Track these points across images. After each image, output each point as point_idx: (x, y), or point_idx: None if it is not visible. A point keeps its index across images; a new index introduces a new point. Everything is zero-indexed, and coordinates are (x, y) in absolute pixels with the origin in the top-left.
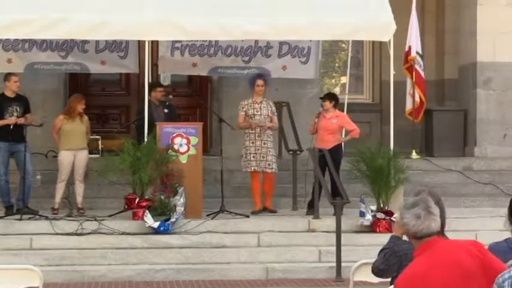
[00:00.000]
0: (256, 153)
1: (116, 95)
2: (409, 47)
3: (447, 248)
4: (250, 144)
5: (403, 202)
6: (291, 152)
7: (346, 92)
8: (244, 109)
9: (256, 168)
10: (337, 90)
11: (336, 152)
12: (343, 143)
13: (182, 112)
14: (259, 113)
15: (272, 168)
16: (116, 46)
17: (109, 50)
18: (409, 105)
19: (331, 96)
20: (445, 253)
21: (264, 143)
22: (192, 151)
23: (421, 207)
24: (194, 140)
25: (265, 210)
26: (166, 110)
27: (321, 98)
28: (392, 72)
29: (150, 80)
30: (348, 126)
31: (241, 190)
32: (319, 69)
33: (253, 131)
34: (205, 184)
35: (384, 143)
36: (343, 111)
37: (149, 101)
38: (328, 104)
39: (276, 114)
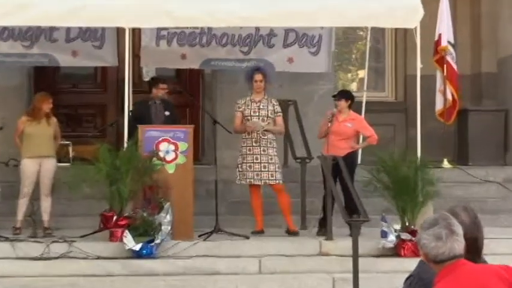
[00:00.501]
0: (254, 163)
1: (90, 92)
2: (439, 36)
3: (474, 273)
4: (247, 152)
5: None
6: (299, 160)
7: (365, 88)
8: (240, 109)
9: (252, 180)
10: (353, 87)
11: (350, 160)
12: (358, 150)
13: None
14: (257, 113)
15: (276, 179)
16: (91, 34)
17: (82, 39)
18: (439, 105)
19: (347, 95)
20: (471, 279)
21: (264, 150)
22: (181, 159)
23: (442, 225)
24: (183, 145)
25: (287, 233)
26: (167, 113)
27: (333, 97)
28: (419, 65)
29: (130, 75)
30: (365, 132)
31: (240, 206)
32: (332, 61)
33: (250, 136)
34: (196, 198)
35: (410, 150)
36: (360, 111)
37: (147, 100)
38: (343, 104)
39: (281, 114)
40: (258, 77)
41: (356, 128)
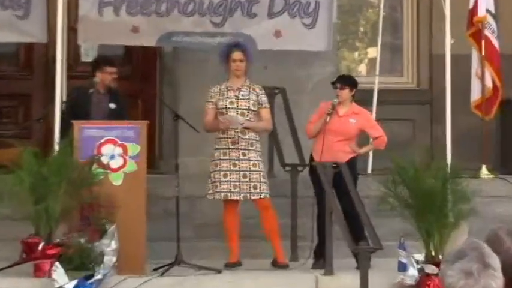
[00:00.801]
0: (230, 171)
1: (10, 77)
2: (475, 3)
3: None
4: (222, 157)
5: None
6: (288, 168)
7: (376, 72)
8: (213, 99)
9: (229, 194)
10: (361, 70)
11: (352, 169)
12: (359, 155)
13: None
14: (235, 105)
15: (261, 193)
16: (12, 1)
17: (0, 7)
18: (476, 94)
19: (351, 81)
20: None
21: (244, 154)
22: (130, 166)
23: (472, 257)
24: (133, 148)
25: (274, 266)
26: (113, 105)
27: (333, 84)
28: (449, 40)
29: (64, 54)
30: (372, 131)
31: (210, 229)
32: (334, 36)
33: (226, 135)
34: (151, 219)
35: (437, 154)
36: (370, 102)
37: (86, 87)
38: (347, 94)
39: (267, 106)
40: (237, 55)
41: (361, 126)
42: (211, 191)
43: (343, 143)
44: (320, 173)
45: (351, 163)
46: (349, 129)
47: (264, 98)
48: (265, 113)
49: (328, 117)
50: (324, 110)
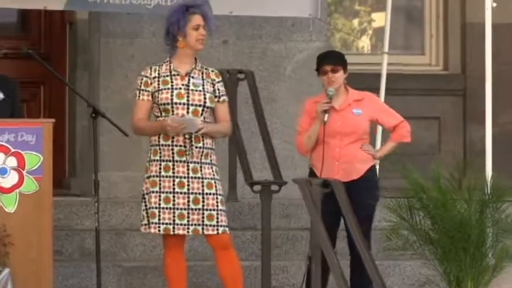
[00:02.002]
0: (175, 194)
1: None
2: None
3: None
4: (163, 173)
5: None
6: (258, 188)
7: (385, 49)
8: (148, 88)
9: (171, 227)
10: (363, 46)
11: (373, 184)
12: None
13: None
14: (184, 99)
15: (219, 226)
16: None
17: None
18: None
19: (342, 59)
20: None
21: (196, 170)
22: (29, 185)
23: None
24: (33, 159)
25: None
26: (1, 95)
27: (318, 69)
28: (489, 2)
29: None
30: (387, 119)
31: (144, 276)
32: None
33: (170, 143)
34: (61, 262)
35: (472, 166)
36: (377, 90)
37: None
38: (341, 77)
39: (226, 99)
40: (198, 19)
41: (371, 115)
42: (145, 222)
43: (356, 147)
44: (304, 195)
45: (371, 175)
46: (358, 124)
47: (221, 88)
48: (224, 110)
49: (327, 116)
50: (314, 109)
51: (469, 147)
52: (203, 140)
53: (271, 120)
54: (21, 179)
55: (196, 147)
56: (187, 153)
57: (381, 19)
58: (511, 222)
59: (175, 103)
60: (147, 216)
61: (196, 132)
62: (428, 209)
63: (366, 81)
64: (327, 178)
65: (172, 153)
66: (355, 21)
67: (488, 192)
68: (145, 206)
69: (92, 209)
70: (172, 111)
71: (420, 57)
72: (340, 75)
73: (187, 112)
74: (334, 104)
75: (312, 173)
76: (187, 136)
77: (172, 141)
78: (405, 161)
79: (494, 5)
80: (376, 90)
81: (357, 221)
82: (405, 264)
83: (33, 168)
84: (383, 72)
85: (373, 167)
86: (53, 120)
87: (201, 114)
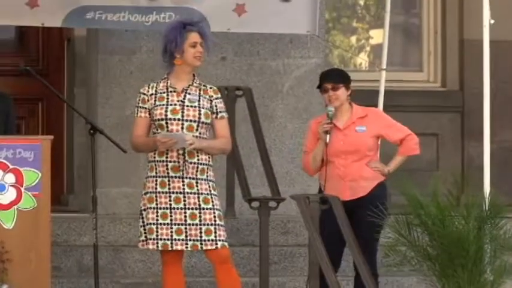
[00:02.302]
0: (172, 210)
1: None
2: None
3: None
4: (159, 189)
5: None
6: (257, 204)
7: (383, 65)
8: (146, 105)
9: (169, 242)
10: (361, 62)
11: (380, 201)
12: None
13: None
14: (178, 115)
15: (217, 240)
16: None
17: None
18: None
19: (342, 75)
20: None
21: (192, 186)
22: (27, 201)
23: None
24: (31, 175)
25: None
26: None
27: (320, 87)
28: (487, 20)
29: None
30: (393, 133)
31: None
32: (322, 13)
33: (165, 158)
34: (58, 277)
35: (470, 183)
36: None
37: None
38: (342, 94)
39: (224, 115)
40: (195, 37)
41: (376, 131)
42: (143, 238)
43: (361, 164)
44: (302, 211)
45: (378, 192)
46: (360, 141)
47: (220, 105)
48: (222, 126)
49: (328, 136)
50: (317, 128)
51: (467, 163)
52: (198, 156)
53: (269, 136)
54: (19, 196)
55: (190, 163)
56: (181, 168)
57: (378, 36)
58: (509, 239)
59: (170, 119)
60: (145, 232)
61: (188, 147)
62: (427, 225)
63: (363, 98)
64: (325, 194)
65: (167, 169)
66: (353, 38)
67: (487, 208)
68: (143, 222)
69: (90, 225)
70: (167, 127)
71: (418, 74)
72: (341, 93)
73: (182, 128)
74: (338, 123)
75: (321, 192)
76: (180, 152)
77: (167, 157)
78: (403, 178)
79: (492, 21)
80: (374, 107)
81: (355, 238)
82: (403, 280)
83: (31, 185)
84: (381, 89)
85: (382, 183)
86: (51, 136)
87: (196, 129)
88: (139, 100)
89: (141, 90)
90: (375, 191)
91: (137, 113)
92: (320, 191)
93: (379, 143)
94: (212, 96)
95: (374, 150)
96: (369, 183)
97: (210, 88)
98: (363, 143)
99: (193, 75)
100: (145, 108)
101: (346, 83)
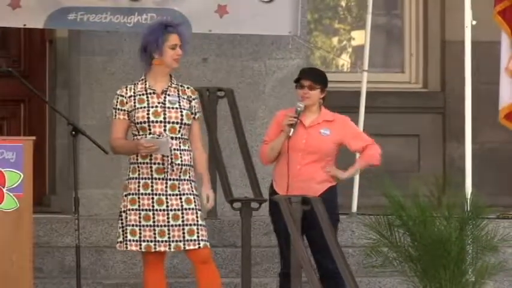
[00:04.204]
0: (154, 211)
1: None
2: None
3: None
4: (141, 190)
5: None
6: (238, 205)
7: (365, 66)
8: (124, 107)
9: (152, 244)
10: (343, 63)
11: (330, 204)
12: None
13: None
14: (160, 117)
15: (199, 240)
16: None
17: None
18: (506, 97)
19: (320, 77)
20: None
21: (174, 187)
22: (9, 202)
23: None
24: (13, 176)
25: None
26: None
27: (297, 81)
28: (469, 20)
29: None
30: (355, 142)
31: None
32: (303, 16)
33: (148, 160)
34: (40, 278)
35: (452, 184)
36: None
37: None
38: (316, 95)
39: (200, 116)
40: (175, 39)
41: (338, 138)
42: (121, 239)
43: (316, 167)
44: (284, 211)
45: (329, 196)
46: (322, 144)
47: (197, 105)
48: (198, 127)
49: (292, 130)
50: (283, 120)
51: (448, 164)
52: (181, 157)
53: (251, 137)
54: (1, 197)
55: (175, 164)
56: (166, 170)
57: (360, 37)
58: (490, 240)
59: (152, 121)
60: (123, 234)
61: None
62: (408, 226)
63: (345, 99)
64: (306, 195)
65: (151, 171)
66: (335, 39)
67: (468, 209)
68: (122, 223)
69: (72, 226)
70: (149, 129)
71: (400, 75)
72: (315, 94)
73: (165, 130)
74: (305, 121)
75: (272, 189)
76: (166, 155)
77: (151, 159)
78: (384, 179)
79: (474, 22)
80: (355, 108)
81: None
82: (385, 281)
83: (13, 186)
84: (362, 90)
85: (333, 187)
86: (34, 138)
87: (179, 131)
88: (117, 102)
89: (119, 92)
90: (324, 194)
91: (115, 115)
92: (271, 186)
93: (339, 149)
94: (191, 97)
95: (332, 156)
96: (320, 186)
97: (188, 88)
98: (324, 146)
99: (170, 76)
100: (124, 110)
101: (323, 86)
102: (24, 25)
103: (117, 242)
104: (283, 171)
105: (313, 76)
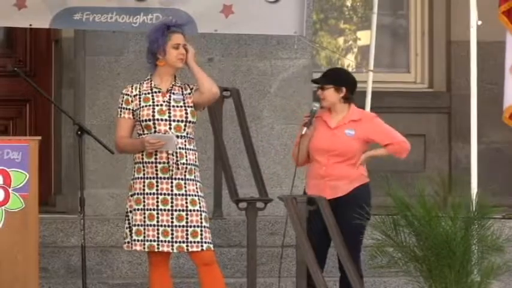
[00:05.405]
0: (159, 211)
1: None
2: None
3: None
4: (147, 190)
5: None
6: (244, 205)
7: (370, 66)
8: (129, 106)
9: (156, 244)
10: (349, 63)
11: (359, 202)
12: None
13: None
14: (166, 115)
15: (203, 242)
16: None
17: None
18: (511, 97)
19: (335, 76)
20: None
21: (180, 186)
22: (15, 202)
23: None
24: (19, 176)
25: None
26: None
27: (315, 82)
28: (474, 21)
29: None
30: (383, 138)
31: None
32: (309, 14)
33: (153, 159)
34: (46, 278)
35: (457, 184)
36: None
37: None
38: (331, 95)
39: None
40: (178, 38)
41: (364, 136)
42: (128, 239)
43: (344, 166)
44: (289, 211)
45: (359, 194)
46: (346, 145)
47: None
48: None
49: (305, 129)
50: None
51: (454, 164)
52: (186, 156)
53: (257, 137)
54: (7, 197)
55: (181, 163)
56: (171, 169)
57: (366, 37)
58: (496, 239)
59: (157, 119)
60: (130, 234)
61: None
62: (414, 226)
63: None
64: (312, 195)
65: (156, 170)
66: (341, 39)
67: (474, 209)
68: (129, 223)
69: (77, 226)
70: (155, 127)
71: (405, 75)
72: (329, 94)
73: (170, 128)
74: (329, 122)
75: (304, 189)
76: (170, 152)
77: (156, 159)
78: (390, 179)
79: (480, 23)
80: (361, 108)
81: (343, 239)
82: (391, 281)
83: (19, 186)
84: (368, 90)
85: (364, 185)
86: (39, 137)
87: (184, 129)
88: (122, 101)
89: (124, 91)
90: (355, 192)
91: (120, 114)
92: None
93: (368, 146)
94: (192, 89)
95: (360, 154)
96: (351, 184)
97: (190, 86)
98: (349, 147)
99: (175, 76)
100: (129, 109)
101: (338, 85)
102: (30, 25)
103: (124, 243)
104: (312, 173)
105: (324, 77)
